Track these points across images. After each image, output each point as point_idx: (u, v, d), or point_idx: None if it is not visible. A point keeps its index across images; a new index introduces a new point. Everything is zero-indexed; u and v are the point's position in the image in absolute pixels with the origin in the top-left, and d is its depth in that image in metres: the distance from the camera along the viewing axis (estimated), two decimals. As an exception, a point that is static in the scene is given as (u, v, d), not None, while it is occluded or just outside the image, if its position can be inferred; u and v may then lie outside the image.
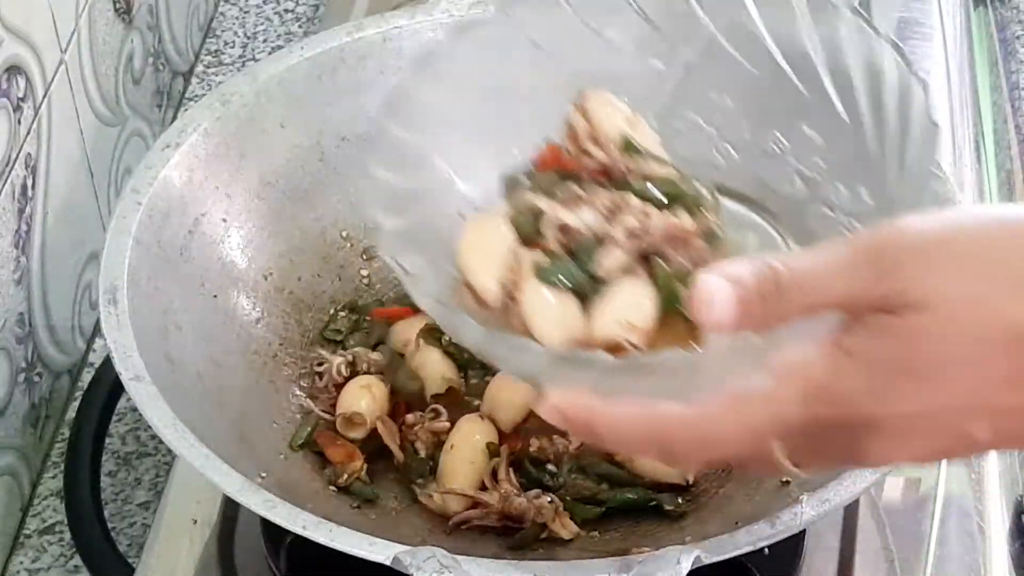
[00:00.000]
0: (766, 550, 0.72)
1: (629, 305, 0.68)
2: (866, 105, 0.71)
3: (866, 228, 0.61)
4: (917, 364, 0.54)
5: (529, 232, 0.71)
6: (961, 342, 0.54)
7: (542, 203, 0.71)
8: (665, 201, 0.70)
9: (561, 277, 0.69)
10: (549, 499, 0.81)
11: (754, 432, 0.57)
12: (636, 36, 0.77)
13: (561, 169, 0.74)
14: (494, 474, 0.83)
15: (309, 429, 0.87)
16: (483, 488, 0.83)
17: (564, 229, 0.70)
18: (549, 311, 0.68)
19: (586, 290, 0.69)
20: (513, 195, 0.73)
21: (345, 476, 0.84)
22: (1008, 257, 0.54)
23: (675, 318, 0.68)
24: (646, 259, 0.69)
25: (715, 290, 0.56)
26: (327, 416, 0.88)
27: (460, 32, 0.75)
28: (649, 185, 0.71)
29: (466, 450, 0.84)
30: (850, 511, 0.85)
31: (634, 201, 0.70)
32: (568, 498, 0.82)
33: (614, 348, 0.67)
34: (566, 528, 0.81)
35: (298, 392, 0.90)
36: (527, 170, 0.75)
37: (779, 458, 0.59)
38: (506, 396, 0.86)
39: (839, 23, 0.72)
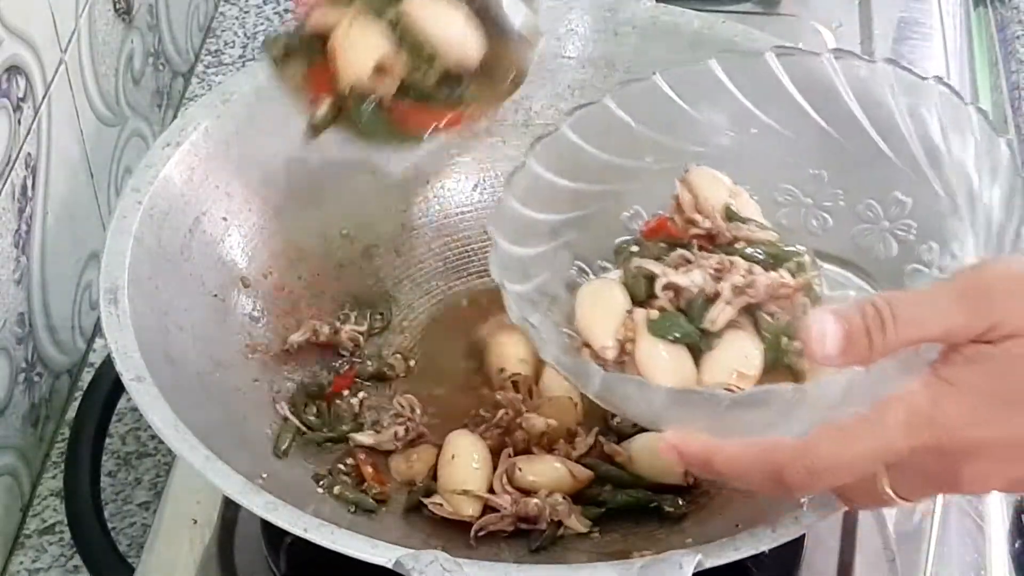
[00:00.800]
0: (766, 550, 0.72)
1: (738, 356, 0.73)
2: (951, 168, 0.75)
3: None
4: (1015, 391, 0.58)
5: (641, 295, 0.76)
6: None
7: (653, 266, 0.76)
8: (770, 261, 0.76)
9: (673, 330, 0.74)
10: (561, 496, 0.81)
11: (860, 458, 0.61)
12: (734, 115, 0.82)
13: (668, 237, 0.80)
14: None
15: (290, 437, 0.87)
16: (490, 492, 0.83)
17: (675, 289, 0.75)
18: (662, 362, 0.73)
19: (696, 343, 0.74)
20: (624, 261, 0.79)
21: (339, 487, 0.84)
22: None
23: (779, 369, 0.73)
24: (752, 315, 0.74)
25: (826, 326, 0.60)
26: (302, 425, 0.88)
27: (570, 116, 0.80)
28: (751, 248, 0.77)
29: (468, 458, 0.83)
30: (850, 512, 0.85)
31: (740, 261, 0.75)
32: (568, 499, 0.82)
33: None
34: (581, 524, 0.81)
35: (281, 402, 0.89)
36: (637, 239, 0.81)
37: (884, 486, 0.63)
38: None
39: (926, 95, 0.76)
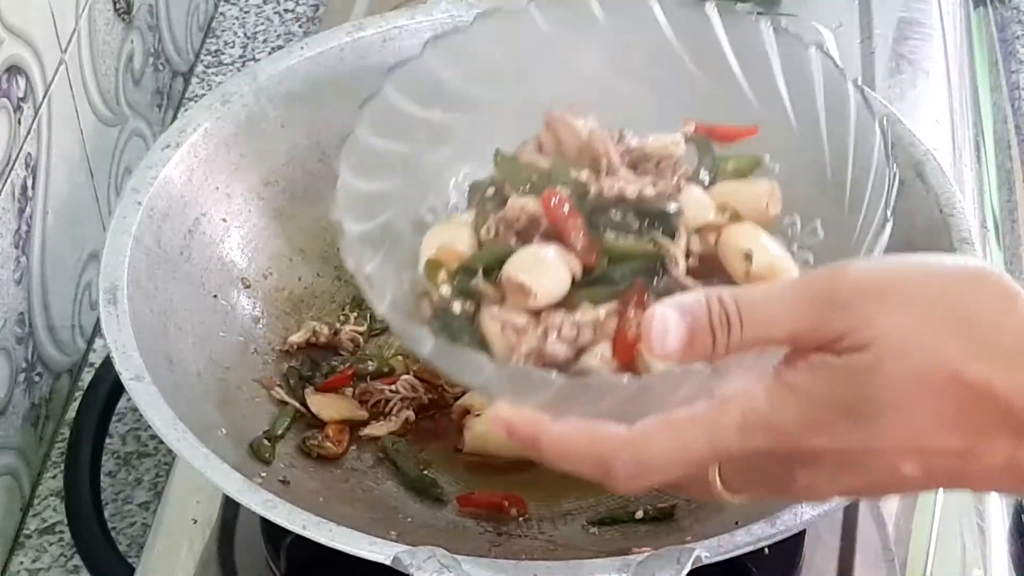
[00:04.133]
0: (766, 550, 0.72)
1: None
2: (827, 141, 0.72)
3: (816, 266, 0.62)
4: (856, 403, 0.56)
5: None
6: (900, 383, 0.56)
7: (525, 200, 0.72)
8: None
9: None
10: None
11: (691, 455, 0.59)
12: (607, 56, 0.77)
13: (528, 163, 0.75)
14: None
15: (288, 421, 0.87)
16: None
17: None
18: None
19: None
20: (479, 204, 0.75)
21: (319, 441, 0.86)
22: (951, 303, 0.56)
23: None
24: None
25: (668, 321, 0.58)
26: (302, 408, 0.88)
27: (434, 40, 0.75)
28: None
29: None
30: (850, 511, 0.86)
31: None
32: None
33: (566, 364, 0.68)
34: None
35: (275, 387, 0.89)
36: (493, 180, 0.76)
37: (714, 482, 0.61)
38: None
39: (808, 58, 0.73)
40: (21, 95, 0.94)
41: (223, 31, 1.34)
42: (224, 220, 0.91)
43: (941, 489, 0.60)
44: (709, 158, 0.76)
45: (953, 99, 1.16)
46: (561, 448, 0.61)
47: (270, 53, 1.27)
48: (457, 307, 0.71)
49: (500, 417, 0.62)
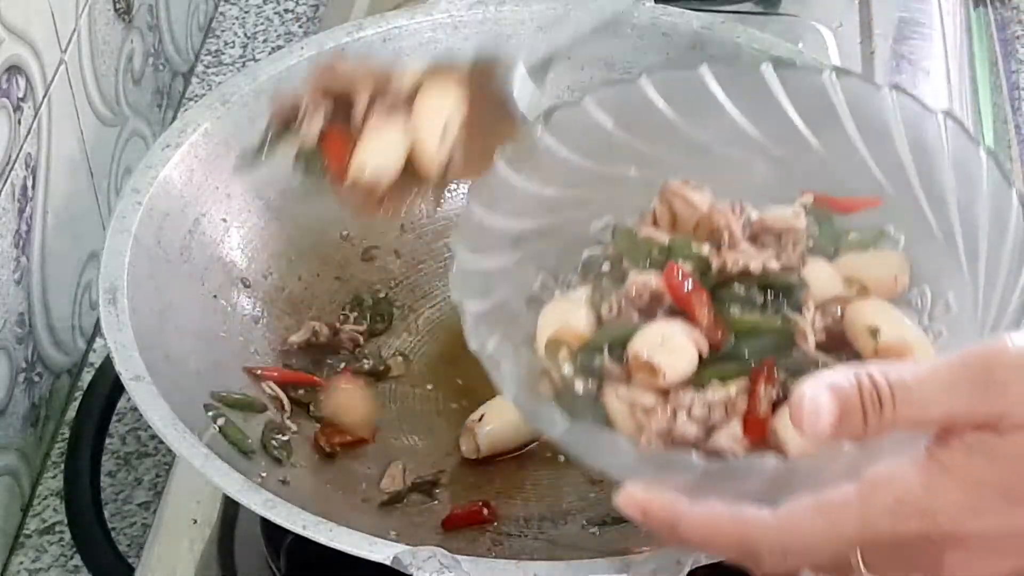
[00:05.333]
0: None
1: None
2: (957, 211, 0.70)
3: (951, 341, 0.60)
4: (1018, 484, 0.54)
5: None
6: None
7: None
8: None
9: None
10: None
11: (840, 540, 0.57)
12: (722, 128, 0.76)
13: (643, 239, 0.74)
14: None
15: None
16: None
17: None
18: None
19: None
20: (595, 280, 0.73)
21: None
22: None
23: None
24: None
25: (820, 400, 0.55)
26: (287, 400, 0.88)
27: (547, 117, 0.74)
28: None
29: None
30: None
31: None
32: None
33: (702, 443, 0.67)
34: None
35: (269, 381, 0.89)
36: (608, 256, 0.75)
37: (857, 566, 0.58)
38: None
39: (930, 123, 0.71)
40: (21, 95, 0.94)
41: (223, 31, 1.34)
42: (224, 220, 0.92)
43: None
44: (830, 230, 0.75)
45: (953, 99, 1.16)
46: (703, 533, 0.59)
47: (270, 53, 1.27)
48: (580, 386, 0.69)
49: (634, 500, 0.60)
